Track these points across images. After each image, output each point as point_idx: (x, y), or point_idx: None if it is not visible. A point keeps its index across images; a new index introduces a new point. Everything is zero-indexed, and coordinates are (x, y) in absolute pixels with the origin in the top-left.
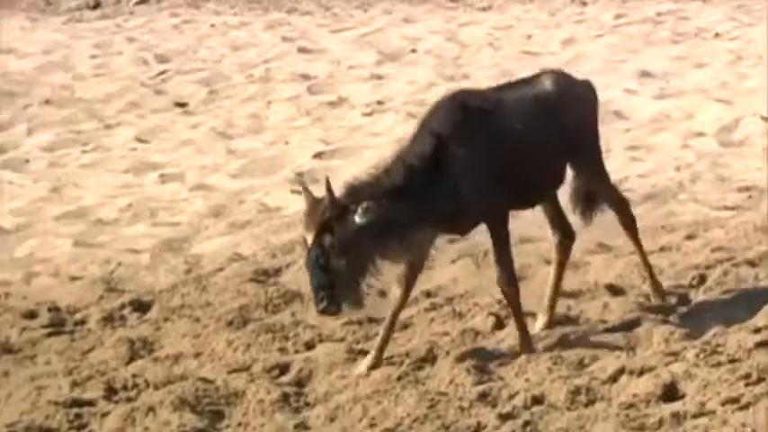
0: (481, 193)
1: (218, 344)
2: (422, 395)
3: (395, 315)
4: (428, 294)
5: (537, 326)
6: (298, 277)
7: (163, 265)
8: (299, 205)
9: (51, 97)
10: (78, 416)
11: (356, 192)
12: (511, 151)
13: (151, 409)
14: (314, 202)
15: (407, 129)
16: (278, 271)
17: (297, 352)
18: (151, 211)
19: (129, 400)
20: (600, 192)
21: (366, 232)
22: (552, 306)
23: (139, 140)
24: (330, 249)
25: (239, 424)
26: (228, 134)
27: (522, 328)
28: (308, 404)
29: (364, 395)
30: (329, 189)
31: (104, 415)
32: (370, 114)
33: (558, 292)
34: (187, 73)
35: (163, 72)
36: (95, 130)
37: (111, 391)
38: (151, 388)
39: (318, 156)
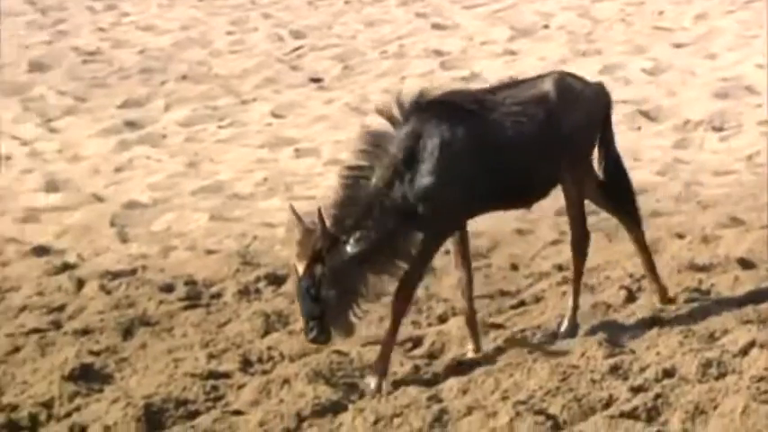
0: (445, 192)
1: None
2: (554, 368)
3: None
4: (560, 268)
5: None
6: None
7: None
8: None
9: (188, 73)
10: (214, 388)
11: (344, 222)
12: (492, 152)
13: (286, 381)
14: (306, 232)
15: None
16: None
17: (430, 325)
18: (286, 186)
19: (264, 372)
20: (568, 208)
21: (357, 261)
22: (575, 307)
23: (275, 116)
24: (321, 280)
25: (373, 396)
26: (363, 110)
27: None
28: (440, 377)
29: (497, 368)
30: (321, 220)
31: (240, 387)
32: None
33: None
34: (322, 49)
35: (298, 48)
36: (231, 106)
37: (246, 364)
38: (286, 360)
39: None
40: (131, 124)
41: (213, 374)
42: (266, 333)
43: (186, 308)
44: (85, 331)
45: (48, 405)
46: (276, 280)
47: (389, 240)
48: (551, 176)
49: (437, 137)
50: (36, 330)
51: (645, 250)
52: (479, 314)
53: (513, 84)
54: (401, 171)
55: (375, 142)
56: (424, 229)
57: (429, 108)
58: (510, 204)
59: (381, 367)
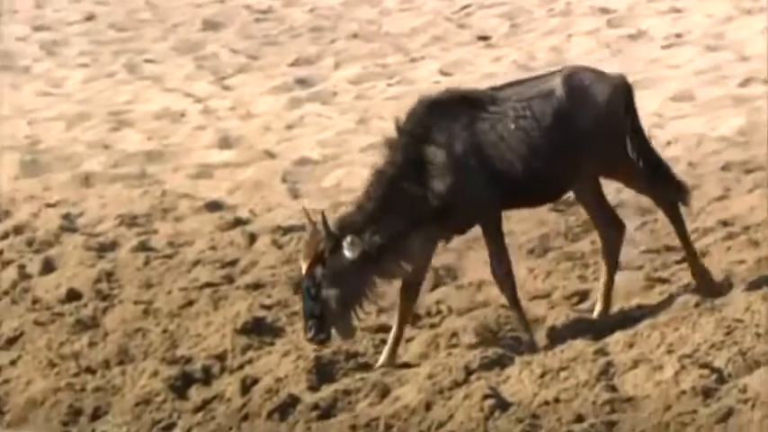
0: (469, 192)
1: (520, 271)
2: (718, 322)
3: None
4: (725, 224)
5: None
6: None
7: None
8: None
9: (358, 31)
10: (384, 341)
11: (347, 224)
12: (504, 150)
13: (454, 334)
14: (314, 232)
15: (705, 62)
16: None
17: (596, 280)
18: None
19: (432, 326)
20: (635, 187)
21: (359, 263)
22: (608, 297)
23: (443, 73)
24: (321, 280)
25: (540, 349)
26: (530, 67)
27: (521, 317)
28: (606, 330)
29: (662, 322)
30: (324, 222)
31: (409, 340)
32: (668, 47)
33: (610, 288)
34: (489, 7)
35: (466, 6)
36: (400, 64)
37: (415, 318)
38: (454, 314)
39: None
40: (302, 82)
41: (382, 328)
42: (435, 287)
43: None
44: (257, 285)
45: (220, 358)
46: None
47: (396, 242)
48: (567, 174)
49: (442, 139)
50: (209, 284)
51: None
52: (645, 269)
53: (522, 81)
54: (411, 175)
55: (390, 147)
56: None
57: (432, 110)
58: (525, 203)
59: (524, 326)
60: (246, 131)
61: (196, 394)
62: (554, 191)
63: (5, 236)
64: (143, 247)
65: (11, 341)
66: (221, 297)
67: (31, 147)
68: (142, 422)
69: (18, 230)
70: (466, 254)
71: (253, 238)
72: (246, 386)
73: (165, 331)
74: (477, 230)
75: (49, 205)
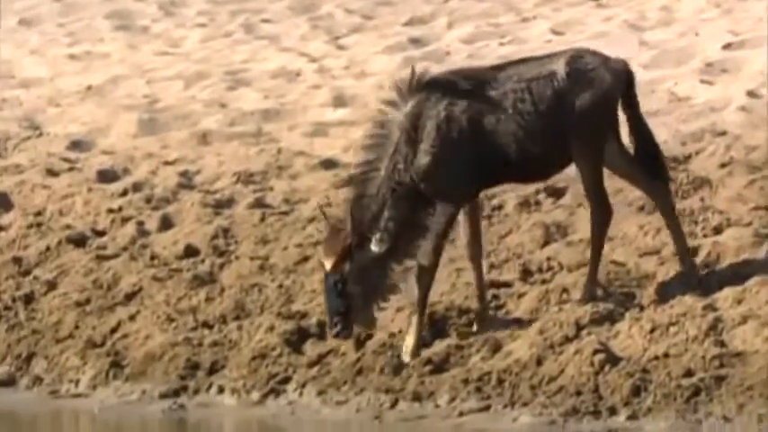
0: (442, 171)
1: (630, 228)
2: None
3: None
4: None
5: None
6: (707, 165)
7: None
8: (708, 95)
9: None
10: (495, 296)
11: (365, 220)
12: (492, 129)
13: (565, 290)
14: (333, 230)
15: None
16: (688, 158)
17: (705, 236)
18: None
19: (543, 282)
20: (584, 183)
21: (383, 256)
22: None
23: (555, 33)
24: (348, 276)
25: (649, 305)
26: (640, 26)
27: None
28: (715, 286)
29: None
30: (351, 217)
31: (520, 296)
32: None
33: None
34: None
35: None
36: (512, 23)
37: (526, 273)
38: (565, 270)
39: (727, 47)
40: (416, 41)
41: (494, 284)
42: (546, 243)
43: None
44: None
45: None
46: (555, 192)
47: (409, 225)
48: (560, 153)
49: (435, 116)
50: None
51: (675, 224)
52: (753, 225)
53: (525, 60)
54: (404, 152)
55: (378, 132)
56: (437, 203)
57: (428, 88)
58: (518, 179)
59: (417, 331)
60: (361, 90)
61: (311, 349)
62: (546, 170)
63: (124, 193)
64: (259, 203)
65: (129, 296)
66: None
67: (150, 106)
68: (258, 376)
69: (137, 188)
70: (576, 211)
71: None
72: (360, 341)
73: (280, 287)
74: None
75: (166, 163)
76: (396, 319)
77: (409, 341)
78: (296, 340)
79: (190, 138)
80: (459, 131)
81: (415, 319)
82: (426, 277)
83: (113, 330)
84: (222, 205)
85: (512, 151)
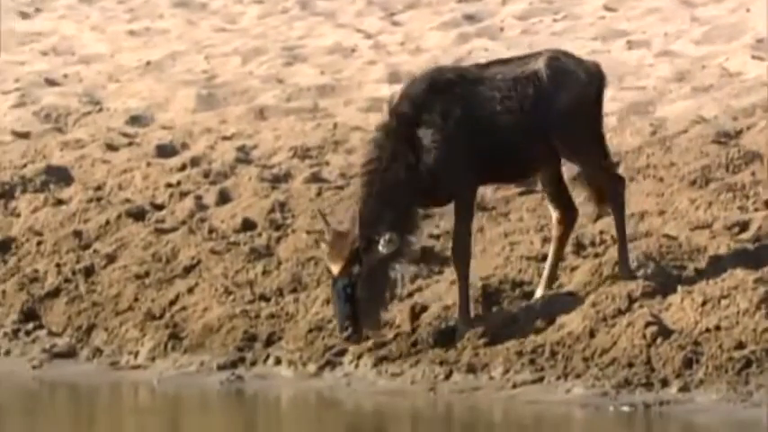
0: (454, 168)
1: (681, 202)
2: None
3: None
4: None
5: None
6: (758, 139)
7: (629, 127)
8: (758, 71)
9: None
10: None
11: (372, 221)
12: (482, 128)
13: (617, 263)
14: (336, 234)
15: None
16: (739, 133)
17: (756, 210)
18: (618, 77)
19: (596, 255)
20: (585, 173)
21: (390, 258)
22: (551, 278)
23: (608, 9)
24: (357, 280)
25: (701, 278)
26: (692, 2)
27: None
28: (766, 260)
29: None
30: (359, 220)
31: (573, 269)
32: None
33: (556, 266)
34: None
35: None
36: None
37: (579, 247)
38: (617, 244)
39: None
40: (470, 17)
41: (547, 257)
42: (598, 218)
43: (522, 193)
44: (426, 215)
45: (390, 286)
46: None
47: (416, 224)
48: (542, 153)
49: (429, 117)
50: None
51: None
52: None
53: (507, 60)
54: (405, 154)
55: (380, 137)
56: (453, 198)
57: (423, 90)
58: (502, 179)
59: (465, 307)
60: (415, 66)
61: None
62: (530, 169)
63: (183, 168)
64: (315, 178)
65: (188, 269)
66: None
67: (208, 81)
68: (314, 348)
69: (195, 162)
70: (628, 185)
71: None
72: (416, 313)
73: None
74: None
75: (224, 138)
76: (450, 291)
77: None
78: None
79: (247, 113)
80: (457, 127)
81: (460, 295)
82: (464, 262)
83: (172, 303)
84: (279, 180)
85: (500, 147)
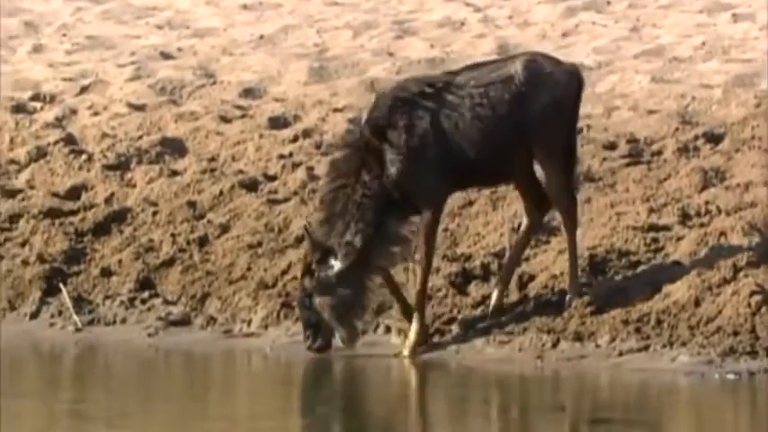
0: (421, 179)
1: None
2: None
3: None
4: None
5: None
6: None
7: (734, 100)
8: None
9: None
10: (654, 240)
11: (331, 234)
12: (450, 137)
13: (722, 233)
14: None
15: None
16: None
17: None
18: (723, 49)
19: (701, 225)
20: (548, 182)
21: (351, 269)
22: (506, 281)
23: None
24: (313, 291)
25: None
26: None
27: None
28: None
29: None
30: (309, 234)
31: (678, 239)
32: None
33: (513, 268)
34: None
35: None
36: None
37: (685, 217)
38: (723, 214)
39: None
40: None
41: (653, 227)
42: (704, 188)
43: (628, 164)
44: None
45: (498, 255)
46: (713, 138)
47: (379, 237)
48: (519, 157)
49: (398, 125)
50: None
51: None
52: None
53: (480, 65)
54: (370, 166)
55: (343, 150)
56: (419, 208)
57: (387, 101)
58: (482, 182)
59: (419, 311)
60: (523, 39)
61: (475, 290)
62: (506, 173)
63: (295, 139)
64: None
65: (299, 239)
66: (499, 197)
67: (320, 54)
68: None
69: (307, 134)
70: (734, 156)
71: None
72: (523, 282)
73: (446, 230)
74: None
75: (336, 110)
76: (557, 261)
77: (411, 337)
78: (461, 282)
79: (358, 85)
80: (423, 137)
81: (416, 315)
82: (423, 277)
83: (284, 272)
84: None
85: (473, 154)
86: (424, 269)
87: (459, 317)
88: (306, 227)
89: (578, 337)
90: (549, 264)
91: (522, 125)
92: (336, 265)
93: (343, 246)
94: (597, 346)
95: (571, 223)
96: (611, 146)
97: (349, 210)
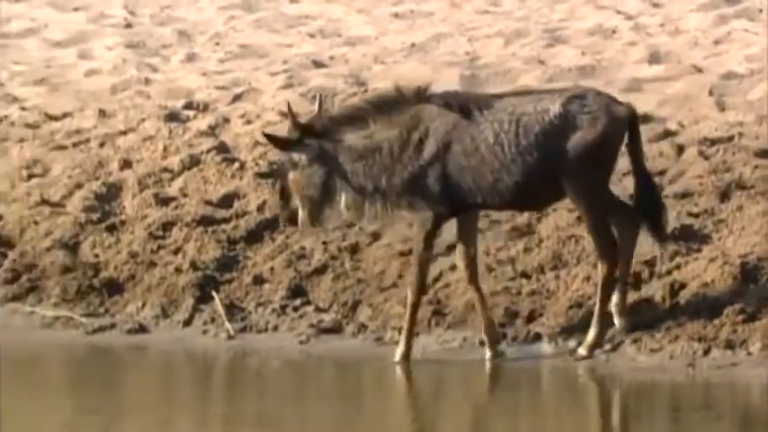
0: (419, 188)
1: None
2: None
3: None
4: None
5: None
6: None
7: None
8: None
9: None
10: None
11: (314, 124)
12: (472, 161)
13: None
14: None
15: None
16: None
17: None
18: None
19: None
20: (586, 223)
21: (313, 164)
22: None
23: None
24: (280, 165)
25: None
26: None
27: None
28: None
29: None
30: (290, 112)
31: None
32: None
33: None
34: None
35: None
36: None
37: None
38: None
39: None
40: (729, 0)
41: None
42: None
43: None
44: (685, 194)
45: (650, 264)
46: None
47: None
48: (547, 190)
49: (427, 129)
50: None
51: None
52: None
53: (525, 93)
54: (392, 147)
55: (380, 103)
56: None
57: (428, 101)
58: (505, 206)
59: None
60: (675, 47)
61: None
62: (526, 203)
63: None
64: None
65: (450, 247)
66: None
67: (471, 62)
68: (575, 324)
69: None
70: None
71: (680, 150)
72: (674, 290)
73: None
74: None
75: None
76: (708, 269)
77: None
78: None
79: None
80: (433, 152)
81: (405, 325)
82: (416, 287)
83: (435, 280)
84: None
85: (482, 180)
86: (419, 279)
87: (612, 327)
88: (288, 104)
89: (730, 345)
90: (700, 272)
91: (550, 161)
92: (296, 157)
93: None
94: (749, 353)
95: (607, 260)
96: (764, 153)
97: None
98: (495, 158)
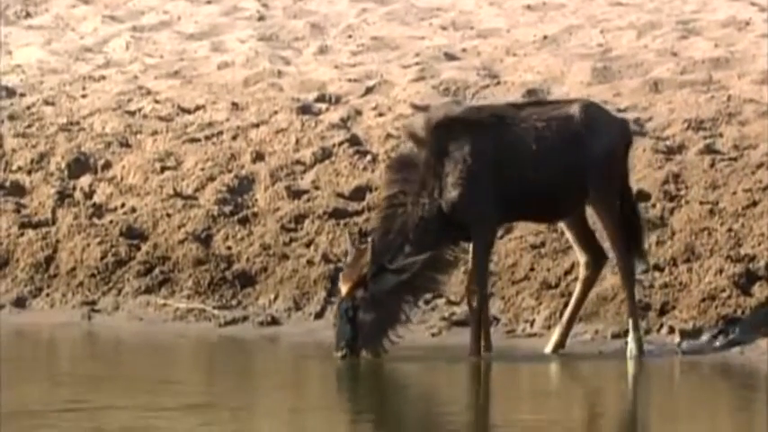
0: (468, 202)
1: None
2: None
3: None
4: None
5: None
6: None
7: None
8: None
9: None
10: None
11: (387, 251)
12: (512, 168)
13: None
14: (357, 256)
15: None
16: None
17: None
18: None
19: None
20: (604, 226)
21: (399, 288)
22: (569, 324)
23: None
24: (360, 304)
25: None
26: None
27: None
28: None
29: None
30: (373, 248)
31: None
32: None
33: (577, 313)
34: None
35: None
36: None
37: None
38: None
39: None
40: None
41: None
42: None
43: None
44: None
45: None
46: None
47: (431, 260)
48: (574, 195)
49: (459, 152)
50: None
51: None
52: None
53: (539, 103)
54: (430, 188)
55: (403, 168)
56: (471, 237)
57: (451, 125)
58: (534, 217)
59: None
60: None
61: (759, 291)
62: (559, 210)
63: None
64: (709, 149)
65: None
66: None
67: (603, 54)
68: (708, 317)
69: None
70: None
71: None
72: None
73: (729, 230)
74: None
75: (619, 110)
76: None
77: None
78: (744, 282)
79: (642, 86)
80: (482, 165)
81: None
82: (481, 302)
83: (567, 272)
84: (673, 151)
85: (531, 186)
86: (482, 292)
87: (744, 317)
88: (372, 240)
89: None
90: None
91: (579, 166)
92: (391, 280)
93: (398, 265)
94: None
95: (627, 269)
96: None
97: (408, 228)
98: (538, 164)
